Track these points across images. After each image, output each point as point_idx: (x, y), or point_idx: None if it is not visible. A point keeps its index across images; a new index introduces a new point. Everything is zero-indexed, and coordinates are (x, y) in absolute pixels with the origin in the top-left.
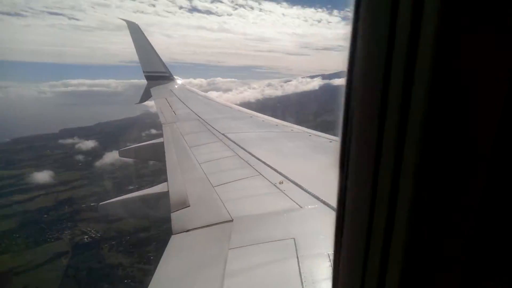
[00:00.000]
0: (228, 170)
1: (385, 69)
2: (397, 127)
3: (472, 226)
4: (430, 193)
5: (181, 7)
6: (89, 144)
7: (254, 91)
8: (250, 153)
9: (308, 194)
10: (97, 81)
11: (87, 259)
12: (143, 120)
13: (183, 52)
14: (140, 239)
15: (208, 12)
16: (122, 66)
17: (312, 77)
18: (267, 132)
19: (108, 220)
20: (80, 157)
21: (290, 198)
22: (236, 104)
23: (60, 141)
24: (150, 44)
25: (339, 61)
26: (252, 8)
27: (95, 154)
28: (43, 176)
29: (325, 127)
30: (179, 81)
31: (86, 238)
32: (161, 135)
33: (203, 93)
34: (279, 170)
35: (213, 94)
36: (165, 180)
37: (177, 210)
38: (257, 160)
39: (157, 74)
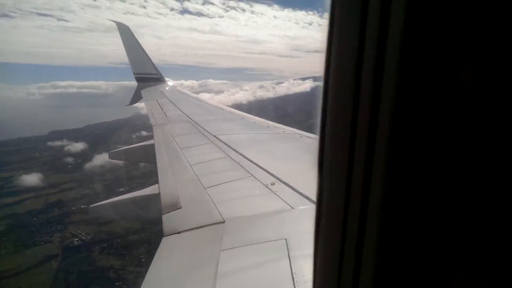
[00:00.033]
0: (220, 171)
1: (356, 72)
2: (367, 128)
3: (442, 224)
4: (399, 193)
5: (172, 9)
6: (79, 146)
7: (246, 93)
8: (241, 155)
9: (299, 195)
10: (86, 83)
11: (77, 262)
12: (134, 122)
13: (174, 53)
14: (131, 241)
15: (199, 14)
16: (112, 68)
17: (303, 79)
18: (258, 134)
19: (99, 222)
20: (69, 159)
21: (282, 199)
22: (228, 106)
23: (49, 143)
24: (140, 45)
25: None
26: (243, 10)
27: (85, 156)
28: (32, 179)
29: (316, 129)
30: (170, 82)
31: (77, 240)
32: (151, 137)
33: (194, 95)
34: (270, 172)
35: (204, 96)
36: (156, 182)
37: (168, 212)
38: (248, 162)
39: (148, 76)
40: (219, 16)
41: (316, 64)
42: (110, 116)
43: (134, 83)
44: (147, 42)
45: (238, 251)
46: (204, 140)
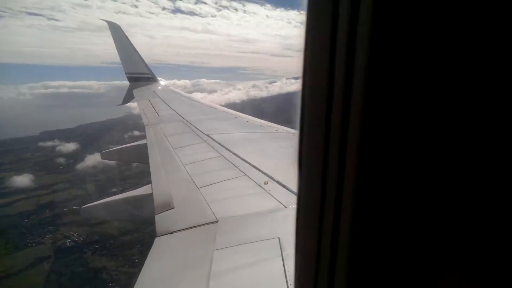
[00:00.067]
0: (213, 171)
1: (329, 70)
2: (340, 127)
3: (413, 223)
4: (370, 192)
5: (164, 8)
6: (70, 146)
7: (239, 92)
8: (235, 154)
9: (292, 194)
10: (78, 83)
11: (70, 263)
12: (126, 122)
13: (167, 53)
14: (124, 242)
15: (192, 13)
16: (104, 67)
17: (296, 78)
18: (252, 133)
19: (91, 223)
20: (61, 160)
21: (275, 198)
22: (221, 105)
23: (40, 143)
24: (132, 45)
25: None
26: (236, 9)
27: (77, 156)
28: (23, 180)
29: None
30: (163, 82)
31: (69, 242)
32: (144, 137)
33: (187, 94)
34: (264, 171)
35: (197, 95)
36: (149, 182)
37: (161, 212)
38: (242, 161)
39: (140, 75)
40: (212, 15)
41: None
42: (102, 116)
43: (126, 82)
44: (139, 42)
45: (231, 251)
46: (197, 140)
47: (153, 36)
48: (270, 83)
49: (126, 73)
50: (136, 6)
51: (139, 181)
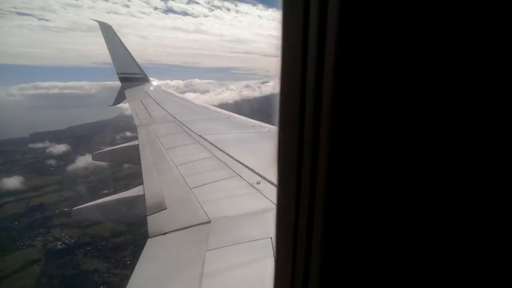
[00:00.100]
0: (206, 171)
1: (301, 72)
2: (312, 126)
3: (384, 219)
4: (341, 190)
5: (156, 8)
6: (61, 148)
7: (232, 92)
8: (227, 154)
9: None
10: (69, 83)
11: (61, 265)
12: (118, 123)
13: (159, 53)
14: (116, 244)
15: (184, 13)
16: (96, 68)
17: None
18: (244, 133)
19: (83, 225)
20: (51, 161)
21: (267, 198)
22: (214, 106)
23: (31, 145)
24: (123, 45)
25: None
26: (228, 9)
27: (68, 158)
28: (13, 182)
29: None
30: (155, 82)
31: (60, 244)
32: (136, 138)
33: (179, 95)
34: (256, 171)
35: (190, 96)
36: (141, 183)
37: (153, 213)
38: (234, 161)
39: (132, 76)
40: (204, 16)
41: None
42: (94, 117)
43: (117, 83)
44: (131, 42)
45: (224, 251)
46: (189, 140)
47: (145, 36)
48: (263, 83)
49: (117, 73)
50: (127, 6)
51: (131, 182)
